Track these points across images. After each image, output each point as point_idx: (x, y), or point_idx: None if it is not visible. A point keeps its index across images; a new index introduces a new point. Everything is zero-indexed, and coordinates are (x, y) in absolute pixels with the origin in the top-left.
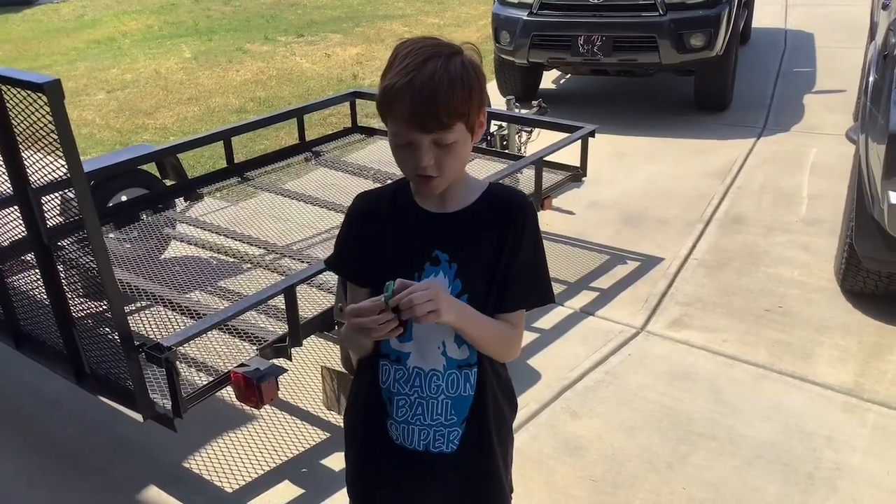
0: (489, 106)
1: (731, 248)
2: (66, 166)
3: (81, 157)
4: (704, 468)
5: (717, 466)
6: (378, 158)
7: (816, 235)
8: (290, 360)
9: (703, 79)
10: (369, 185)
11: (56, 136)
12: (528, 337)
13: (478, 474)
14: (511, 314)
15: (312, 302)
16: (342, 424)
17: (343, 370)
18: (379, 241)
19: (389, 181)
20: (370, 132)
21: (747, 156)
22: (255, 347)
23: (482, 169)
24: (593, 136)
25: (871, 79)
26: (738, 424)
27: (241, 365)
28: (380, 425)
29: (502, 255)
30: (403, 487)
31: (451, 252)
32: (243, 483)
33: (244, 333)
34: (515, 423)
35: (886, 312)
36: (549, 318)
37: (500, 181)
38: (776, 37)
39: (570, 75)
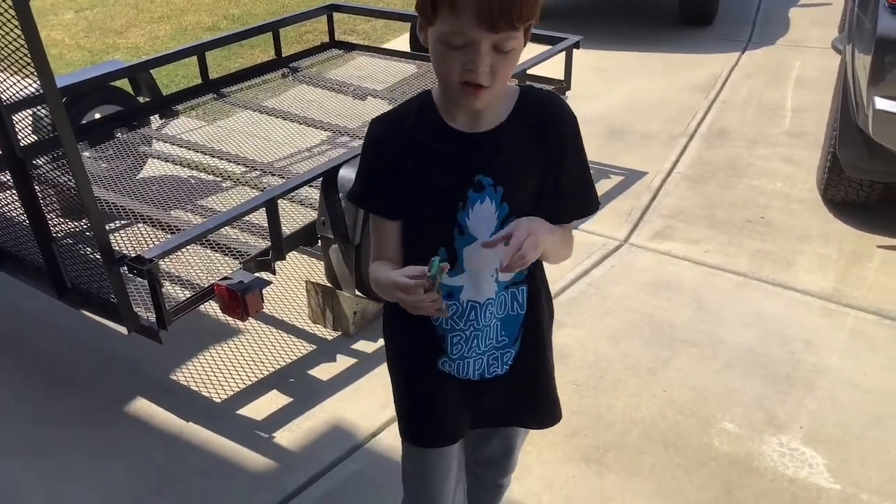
0: None
1: (715, 161)
2: (37, 82)
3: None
4: (685, 372)
5: (698, 370)
6: (357, 74)
7: (799, 147)
8: (275, 273)
9: None
10: (349, 101)
11: (26, 48)
12: None
13: (533, 386)
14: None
15: (294, 217)
16: (329, 337)
17: (328, 284)
18: (409, 169)
19: (370, 98)
20: (349, 47)
21: (732, 69)
22: (238, 262)
23: None
24: (578, 48)
25: None
26: (718, 331)
27: (225, 278)
28: (431, 362)
29: (548, 169)
30: (460, 412)
31: (494, 175)
32: (231, 394)
33: (227, 249)
34: None
35: (866, 221)
36: None
37: None
38: None
39: None
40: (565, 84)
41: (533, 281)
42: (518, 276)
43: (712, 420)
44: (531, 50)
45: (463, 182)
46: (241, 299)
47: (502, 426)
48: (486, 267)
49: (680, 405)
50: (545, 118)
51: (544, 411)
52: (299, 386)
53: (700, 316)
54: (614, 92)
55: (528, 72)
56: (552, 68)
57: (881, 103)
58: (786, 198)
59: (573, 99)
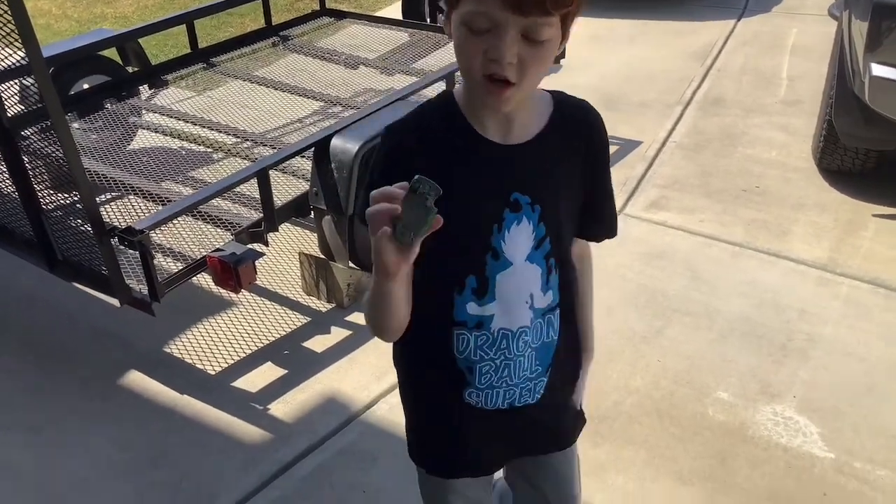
0: None
1: (710, 130)
2: (23, 51)
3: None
4: (680, 341)
5: (693, 339)
6: (349, 43)
7: (795, 116)
8: (267, 245)
9: None
10: (341, 70)
11: (10, 17)
12: None
13: (561, 409)
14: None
15: (286, 188)
16: (323, 309)
17: (321, 255)
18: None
19: (362, 67)
20: (340, 15)
21: (728, 37)
22: (230, 234)
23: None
24: None
25: None
26: (713, 300)
27: (218, 250)
28: (455, 395)
29: (583, 184)
30: (483, 441)
31: (531, 193)
32: (226, 366)
33: (219, 220)
34: None
35: (861, 190)
36: None
37: None
38: None
39: None
40: (559, 54)
41: (564, 304)
42: (553, 300)
43: (707, 389)
44: None
45: (499, 201)
46: (234, 271)
47: (531, 454)
48: (520, 293)
49: (674, 374)
50: (582, 129)
51: (567, 432)
52: (293, 358)
53: (695, 285)
54: (609, 61)
55: None
56: None
57: (878, 70)
58: (781, 167)
59: (568, 69)
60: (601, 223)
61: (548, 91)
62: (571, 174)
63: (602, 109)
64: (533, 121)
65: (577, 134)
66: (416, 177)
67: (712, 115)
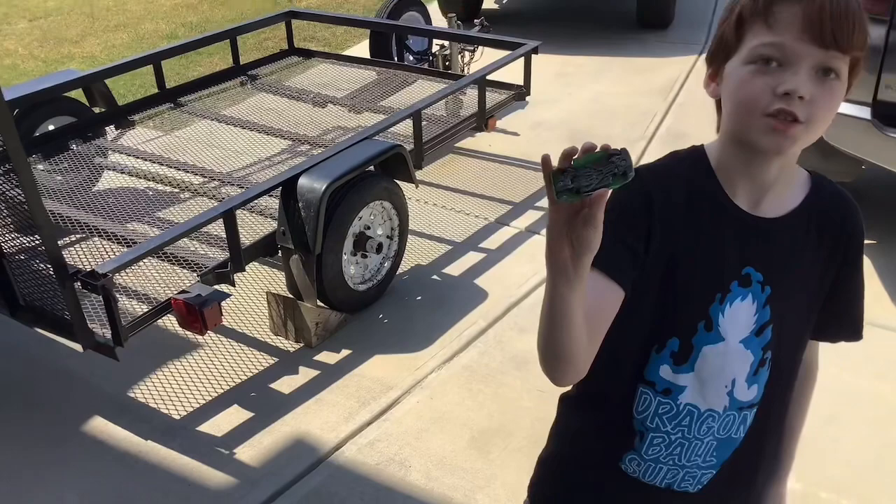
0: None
1: None
2: None
3: (4, 88)
4: None
5: None
6: (317, 81)
7: None
8: (234, 286)
9: None
10: (309, 109)
11: None
12: (475, 257)
13: None
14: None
15: (253, 228)
16: (291, 349)
17: (289, 295)
18: (670, 240)
19: (330, 105)
20: (308, 54)
21: (689, 73)
22: (196, 275)
23: (425, 90)
24: (536, 53)
25: None
26: None
27: (183, 291)
28: (614, 455)
29: (827, 278)
30: None
31: (766, 272)
32: (191, 409)
33: (185, 261)
34: (464, 340)
35: None
36: (496, 238)
37: (444, 100)
38: None
39: None
40: (525, 89)
41: (767, 406)
42: (756, 397)
43: None
44: (492, 57)
45: (730, 270)
46: (200, 313)
47: None
48: (722, 375)
49: None
50: (840, 218)
51: None
52: (260, 400)
53: None
54: (575, 96)
55: (489, 77)
56: (513, 75)
57: None
58: None
59: (534, 105)
60: (840, 323)
61: (809, 171)
62: (814, 265)
63: (568, 145)
64: (786, 197)
65: (835, 222)
66: (623, 148)
67: (675, 147)
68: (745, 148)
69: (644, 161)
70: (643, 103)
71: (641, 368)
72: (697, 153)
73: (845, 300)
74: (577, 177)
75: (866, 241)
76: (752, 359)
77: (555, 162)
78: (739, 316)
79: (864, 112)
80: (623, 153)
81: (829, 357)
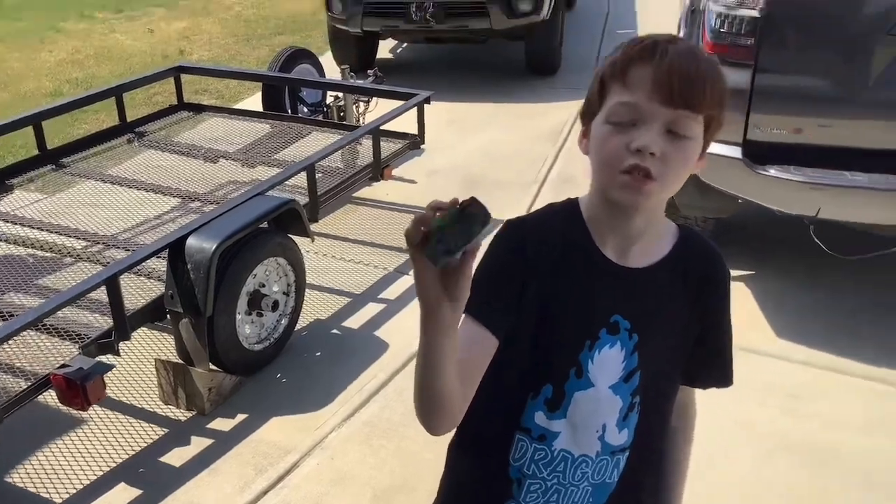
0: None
1: None
2: None
3: None
4: None
5: None
6: (209, 136)
7: None
8: (119, 355)
9: (533, 43)
10: (199, 164)
11: None
12: (375, 308)
13: None
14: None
15: (141, 292)
16: (183, 418)
17: (179, 361)
18: (541, 290)
19: (223, 160)
20: (199, 109)
21: (577, 117)
22: (78, 346)
23: (320, 142)
24: (429, 103)
25: (682, 33)
26: None
27: (63, 366)
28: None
29: (693, 328)
30: None
31: (633, 320)
32: (74, 491)
33: (66, 332)
34: (364, 394)
35: None
36: (396, 288)
37: (340, 151)
38: (600, 1)
39: (405, 44)
40: (419, 138)
41: (637, 450)
42: (627, 441)
43: None
44: (387, 107)
45: (599, 318)
46: (81, 388)
47: None
48: (591, 421)
49: None
50: (706, 270)
51: None
52: (150, 475)
53: None
54: (468, 143)
55: (383, 127)
56: (407, 124)
57: None
58: None
59: (429, 153)
60: (709, 371)
61: (677, 224)
62: (680, 313)
63: (463, 191)
64: (654, 248)
65: (701, 273)
66: (472, 196)
67: (565, 192)
68: (609, 203)
69: (537, 205)
70: (534, 148)
71: (518, 415)
72: (571, 205)
73: (713, 348)
74: (444, 239)
75: (744, 272)
76: (621, 404)
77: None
78: (608, 362)
79: (736, 152)
80: (474, 202)
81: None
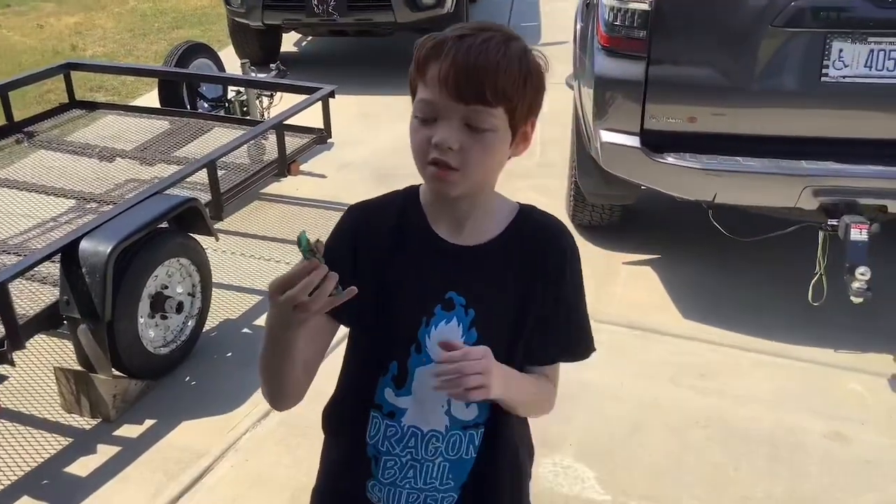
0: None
1: None
2: None
3: None
4: None
5: None
6: (104, 135)
7: (550, 177)
8: (13, 365)
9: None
10: (95, 163)
11: None
12: None
13: None
14: (546, 367)
15: (35, 298)
16: (87, 426)
17: (80, 368)
18: (377, 270)
19: (119, 159)
20: (92, 106)
21: None
22: None
23: (222, 138)
24: (333, 97)
25: (578, 27)
26: None
27: None
28: (358, 484)
29: (531, 302)
30: None
31: (467, 296)
32: None
33: None
34: (238, 430)
35: (612, 241)
36: None
37: (245, 147)
38: None
39: (310, 38)
40: (326, 132)
41: (494, 426)
42: (478, 417)
43: None
44: (292, 101)
45: (433, 296)
46: None
47: None
48: (436, 395)
49: None
50: (541, 245)
51: None
52: (55, 486)
53: None
54: (380, 136)
55: (288, 122)
56: (314, 118)
57: (606, 136)
58: None
59: (339, 146)
60: (560, 341)
61: (520, 204)
62: (517, 289)
63: (376, 184)
64: (487, 227)
65: (536, 249)
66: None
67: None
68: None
69: None
70: None
71: (371, 392)
72: (412, 190)
73: (564, 321)
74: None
75: (652, 256)
76: None
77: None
78: (445, 337)
79: (635, 141)
80: (300, 239)
81: (625, 366)
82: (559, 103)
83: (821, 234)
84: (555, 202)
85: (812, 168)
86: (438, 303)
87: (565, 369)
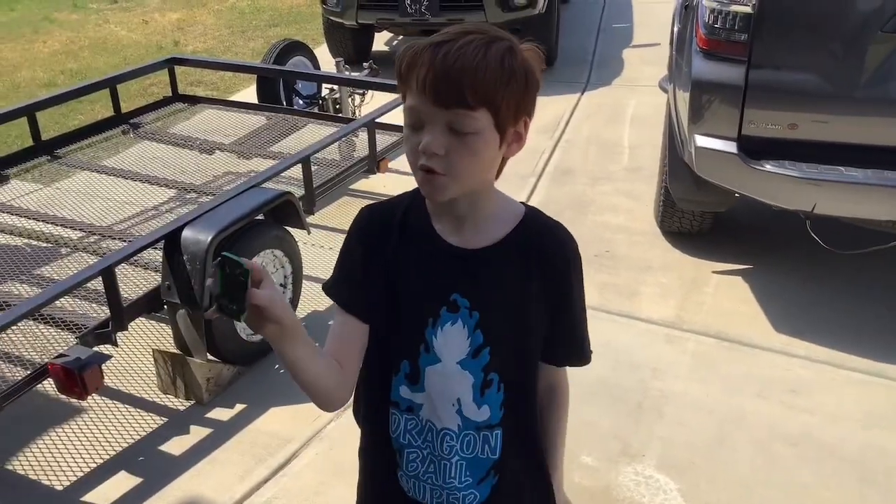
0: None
1: (562, 199)
2: None
3: None
4: None
5: None
6: (204, 128)
7: (637, 182)
8: (116, 345)
9: (529, 36)
10: (195, 155)
11: None
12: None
13: None
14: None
15: (137, 282)
16: (182, 407)
17: (177, 351)
18: (385, 270)
19: (218, 152)
20: (193, 100)
21: (573, 110)
22: (75, 336)
23: (315, 134)
24: None
25: (675, 29)
26: None
27: (61, 355)
28: (392, 477)
29: (536, 306)
30: None
31: (472, 298)
32: (74, 479)
33: (63, 322)
34: (323, 419)
35: (701, 249)
36: None
37: (336, 144)
38: None
39: (401, 37)
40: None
41: (510, 428)
42: (492, 419)
43: (571, 455)
44: (383, 100)
45: (438, 297)
46: (79, 377)
47: None
48: (445, 394)
49: None
50: (544, 250)
51: None
52: (150, 464)
53: None
54: None
55: (379, 120)
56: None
57: (701, 141)
58: (628, 231)
59: None
60: (564, 348)
61: (526, 207)
62: (522, 293)
63: None
64: (491, 229)
65: (540, 254)
66: (219, 258)
67: (563, 184)
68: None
69: (536, 196)
70: (531, 140)
71: (387, 391)
72: (418, 192)
73: (565, 327)
74: (223, 305)
75: (743, 266)
76: (472, 380)
77: None
78: (453, 339)
79: (731, 147)
80: (220, 261)
81: (711, 377)
82: (647, 107)
83: None
84: (642, 207)
85: None
86: (443, 304)
87: (646, 378)
